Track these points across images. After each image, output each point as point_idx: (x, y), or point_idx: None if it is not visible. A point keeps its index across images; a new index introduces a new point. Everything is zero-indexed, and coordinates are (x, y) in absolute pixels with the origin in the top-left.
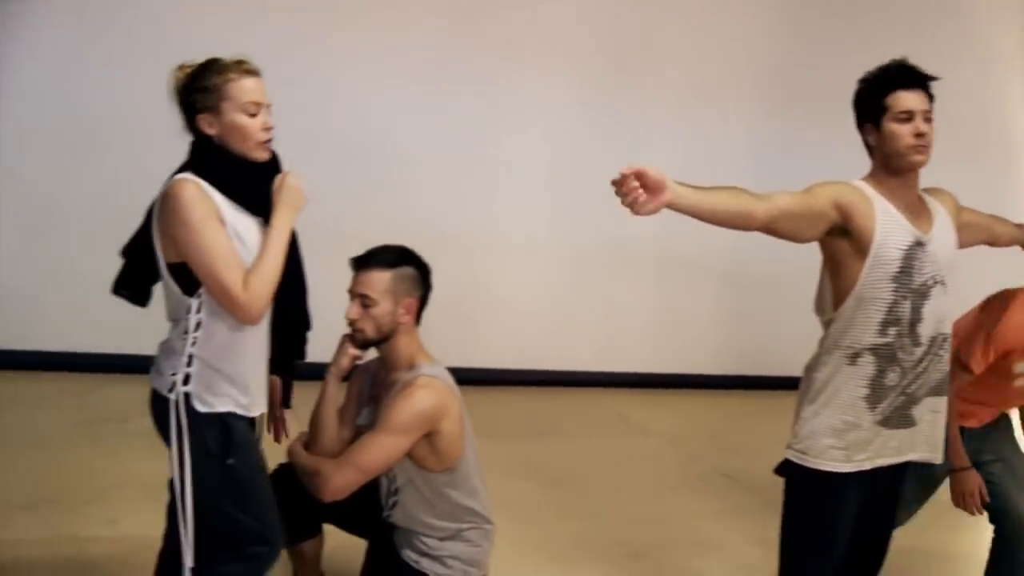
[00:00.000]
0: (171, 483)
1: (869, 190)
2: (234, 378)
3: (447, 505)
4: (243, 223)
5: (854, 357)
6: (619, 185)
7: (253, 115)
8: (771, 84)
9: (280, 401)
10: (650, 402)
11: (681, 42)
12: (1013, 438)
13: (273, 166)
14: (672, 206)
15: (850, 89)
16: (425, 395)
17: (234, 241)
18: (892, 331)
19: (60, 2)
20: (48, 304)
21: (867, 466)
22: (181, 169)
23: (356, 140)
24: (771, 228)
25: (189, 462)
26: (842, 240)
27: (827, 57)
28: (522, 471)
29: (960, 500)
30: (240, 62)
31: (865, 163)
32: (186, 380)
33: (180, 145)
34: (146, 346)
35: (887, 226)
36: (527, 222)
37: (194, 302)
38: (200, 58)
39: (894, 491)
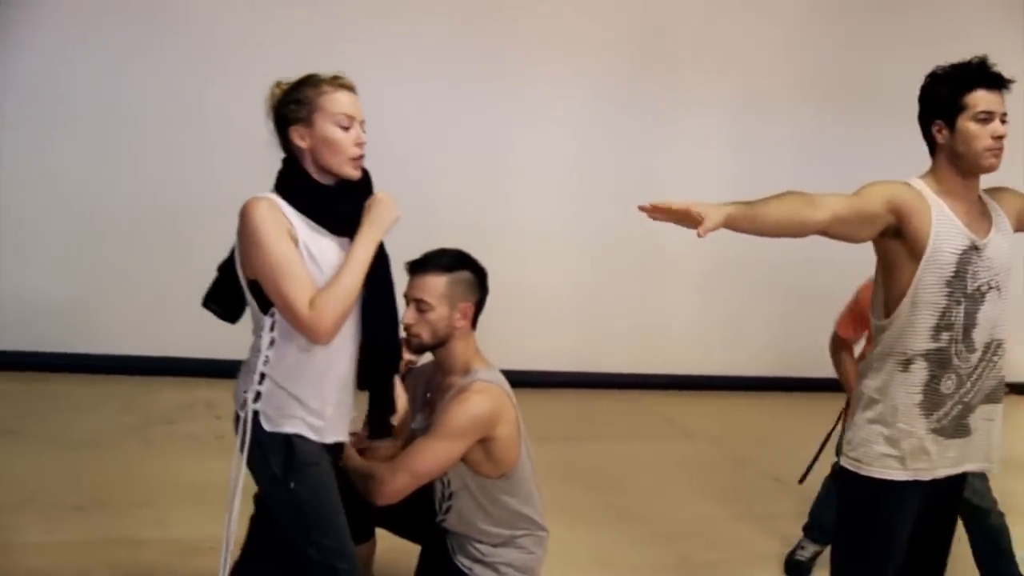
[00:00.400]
0: (256, 497)
1: (927, 191)
2: (305, 400)
3: (502, 511)
4: (320, 243)
5: (906, 363)
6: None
7: (346, 128)
8: (808, 76)
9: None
10: (693, 404)
11: (709, 34)
12: None
13: (363, 186)
14: (729, 227)
15: (895, 83)
16: (480, 400)
17: (307, 261)
18: (945, 336)
19: (100, 5)
20: (99, 309)
21: (925, 477)
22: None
23: (373, 140)
24: (825, 232)
25: (248, 478)
26: (896, 242)
27: (869, 51)
28: (566, 474)
29: None
30: (336, 77)
31: (916, 161)
32: (256, 398)
33: (221, 154)
34: (192, 350)
35: (942, 229)
36: (559, 221)
37: (268, 320)
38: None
39: (953, 502)
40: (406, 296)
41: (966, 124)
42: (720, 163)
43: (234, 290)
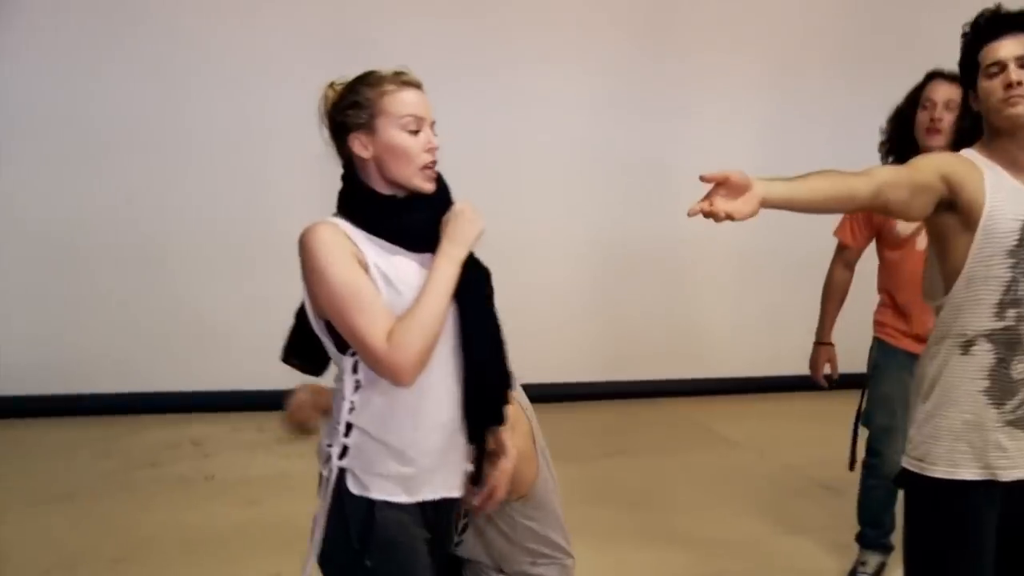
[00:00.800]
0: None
1: (978, 158)
2: (398, 450)
3: (522, 536)
4: (397, 264)
5: (967, 345)
6: (706, 212)
7: (414, 132)
8: (841, 45)
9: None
10: (731, 409)
11: (727, 7)
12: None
13: (439, 197)
14: (766, 203)
15: (940, 49)
16: None
17: (382, 286)
18: (1012, 313)
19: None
20: (68, 344)
21: (1004, 477)
22: None
23: None
24: (875, 204)
25: (322, 546)
26: (949, 215)
27: (909, 14)
28: (596, 494)
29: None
30: (398, 72)
31: None
32: (343, 453)
33: (203, 173)
34: (174, 383)
35: (999, 196)
36: (571, 220)
37: (349, 361)
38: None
39: None
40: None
41: (982, 84)
42: (747, 149)
43: (314, 337)
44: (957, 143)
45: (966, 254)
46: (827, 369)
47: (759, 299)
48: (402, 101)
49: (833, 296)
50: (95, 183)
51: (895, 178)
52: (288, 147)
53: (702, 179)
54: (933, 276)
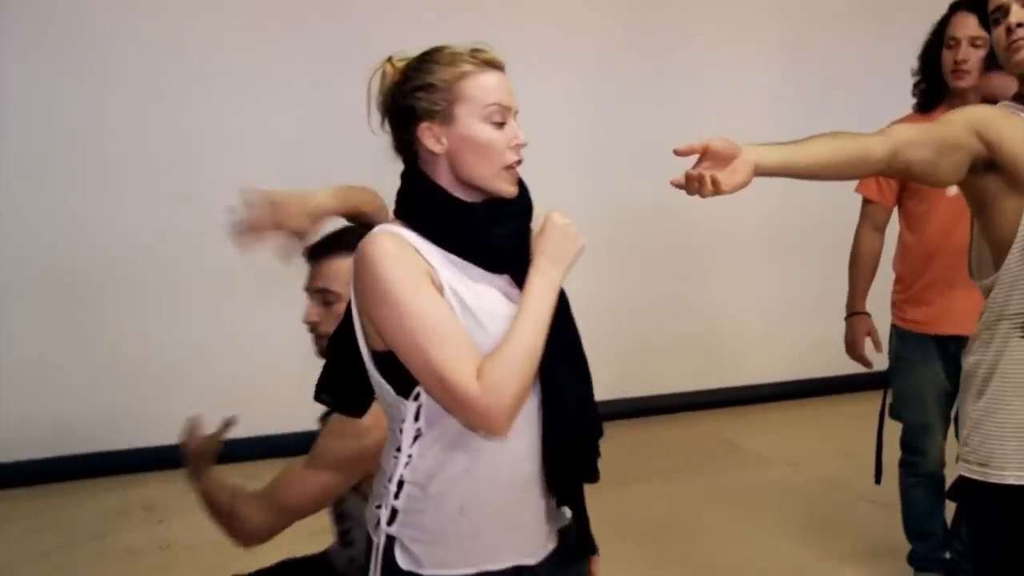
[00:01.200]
0: None
1: (1016, 106)
2: (463, 512)
3: None
4: (475, 288)
5: None
6: (690, 178)
7: (499, 125)
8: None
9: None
10: (759, 420)
11: None
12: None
13: (522, 204)
14: (760, 170)
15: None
16: None
17: (459, 314)
18: None
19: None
20: None
21: None
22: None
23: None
24: (895, 166)
25: None
26: (990, 177)
27: None
28: (611, 527)
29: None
30: (477, 50)
31: None
32: (392, 517)
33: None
34: (117, 439)
35: None
36: (573, 213)
37: (410, 406)
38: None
39: None
40: (307, 289)
41: (993, 32)
42: (764, 123)
43: (356, 370)
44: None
45: (1017, 220)
46: (869, 345)
47: (781, 292)
48: (485, 86)
49: (863, 265)
50: (6, 210)
51: (917, 136)
52: (245, 162)
53: (676, 153)
54: (980, 250)
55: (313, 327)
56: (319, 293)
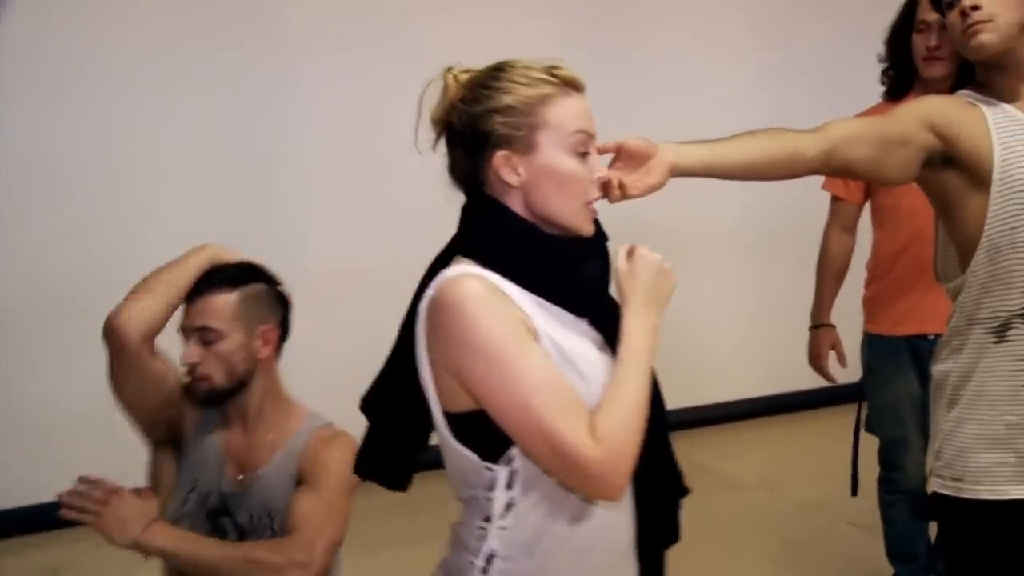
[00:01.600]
0: None
1: (975, 96)
2: None
3: None
4: (569, 337)
5: (1001, 330)
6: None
7: (583, 156)
8: None
9: None
10: (730, 441)
11: None
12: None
13: (601, 240)
14: (678, 170)
15: None
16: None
17: (557, 364)
18: None
19: None
20: None
21: None
22: (448, 251)
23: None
24: (833, 164)
25: None
26: (949, 173)
27: None
28: None
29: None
30: (555, 67)
31: None
32: None
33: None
34: (20, 494)
35: (1011, 140)
36: None
37: (502, 472)
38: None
39: None
40: (183, 329)
41: (947, 16)
42: (737, 115)
43: (404, 438)
44: (964, 71)
45: (982, 218)
46: (833, 358)
47: (754, 300)
48: (570, 111)
49: (829, 267)
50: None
51: (857, 132)
52: (165, 176)
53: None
54: (945, 251)
55: (191, 369)
56: (197, 332)
